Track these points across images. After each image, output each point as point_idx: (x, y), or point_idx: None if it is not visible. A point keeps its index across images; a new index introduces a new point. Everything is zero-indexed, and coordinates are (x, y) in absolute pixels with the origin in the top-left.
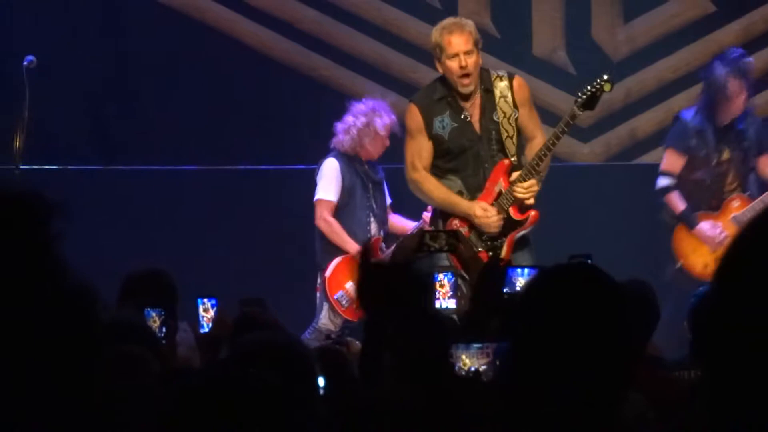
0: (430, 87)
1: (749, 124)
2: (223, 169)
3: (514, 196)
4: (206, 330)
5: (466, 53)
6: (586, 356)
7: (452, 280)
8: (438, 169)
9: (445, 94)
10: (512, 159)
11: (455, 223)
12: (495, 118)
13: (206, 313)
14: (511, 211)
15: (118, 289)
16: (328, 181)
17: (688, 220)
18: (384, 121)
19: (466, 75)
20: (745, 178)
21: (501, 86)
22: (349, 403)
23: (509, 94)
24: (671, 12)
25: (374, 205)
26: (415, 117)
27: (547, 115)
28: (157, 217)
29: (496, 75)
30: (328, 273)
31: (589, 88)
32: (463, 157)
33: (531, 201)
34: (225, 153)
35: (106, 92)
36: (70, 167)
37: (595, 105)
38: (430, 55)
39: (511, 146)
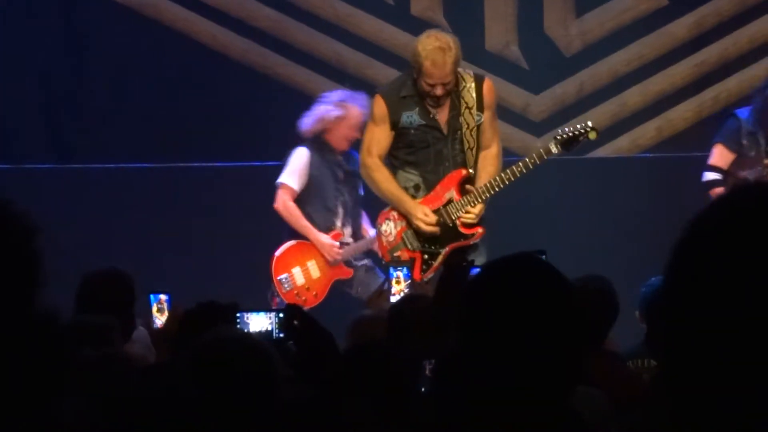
0: (399, 81)
1: None
2: (179, 167)
3: (463, 215)
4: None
5: (445, 83)
6: (532, 347)
7: (408, 276)
8: (398, 161)
9: (413, 93)
10: (470, 171)
11: (394, 215)
12: (461, 122)
13: (160, 313)
14: (459, 222)
15: (75, 289)
16: (294, 168)
17: None
18: (357, 111)
19: (441, 97)
20: None
21: (467, 93)
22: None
23: (473, 101)
24: (623, 6)
25: (345, 197)
26: (381, 106)
27: (499, 110)
28: (112, 216)
29: (464, 77)
30: (277, 253)
31: (571, 129)
32: (426, 152)
33: (473, 221)
34: (180, 151)
35: (61, 90)
36: (23, 166)
37: (573, 148)
38: (385, 52)
39: (470, 158)
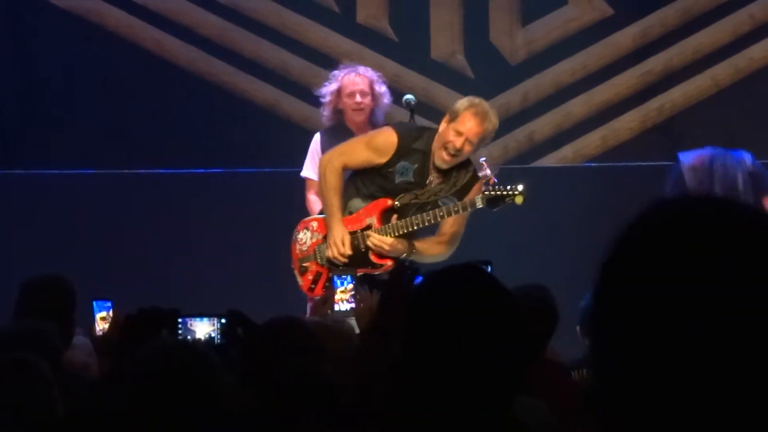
0: (418, 132)
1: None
2: (124, 173)
3: (373, 241)
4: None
5: (469, 141)
6: (473, 355)
7: (352, 283)
8: (365, 190)
9: (424, 149)
10: (396, 203)
11: (312, 226)
12: (435, 197)
13: (103, 320)
14: (371, 249)
15: (15, 295)
16: (309, 157)
17: None
18: (347, 79)
19: (454, 156)
20: None
21: (463, 173)
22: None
23: (458, 187)
24: (569, 15)
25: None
26: (390, 142)
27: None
28: (57, 222)
29: (469, 162)
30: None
31: (500, 188)
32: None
33: (378, 250)
34: (125, 157)
35: (7, 96)
36: None
37: (497, 206)
38: (330, 60)
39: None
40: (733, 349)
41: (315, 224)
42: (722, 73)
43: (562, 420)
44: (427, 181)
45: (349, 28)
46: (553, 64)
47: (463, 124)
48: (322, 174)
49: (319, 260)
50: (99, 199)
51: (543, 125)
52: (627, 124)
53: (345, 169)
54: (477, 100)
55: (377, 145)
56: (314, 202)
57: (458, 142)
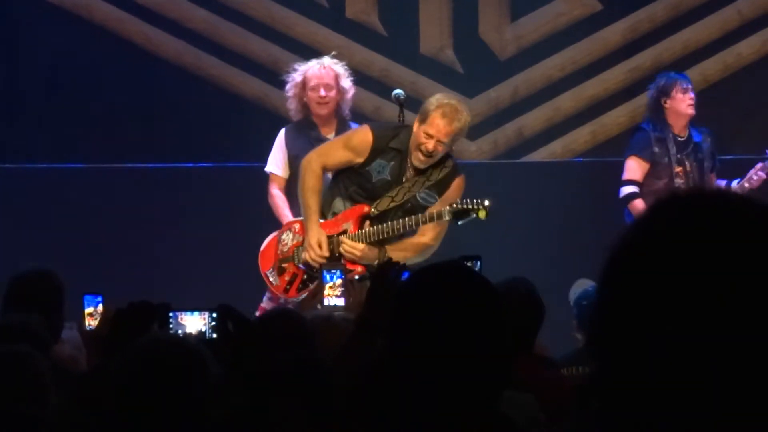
0: (394, 131)
1: (704, 140)
2: (112, 168)
3: (345, 247)
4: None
5: (440, 142)
6: (456, 351)
7: (341, 278)
8: (345, 191)
9: (400, 148)
10: (373, 210)
11: (295, 228)
12: (416, 197)
13: (91, 316)
14: (344, 254)
15: (3, 290)
16: (273, 152)
17: None
18: (309, 72)
19: (428, 157)
20: None
21: (438, 170)
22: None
23: (435, 181)
24: (558, 10)
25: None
26: (366, 141)
27: None
28: (47, 217)
29: (447, 158)
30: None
31: (467, 202)
32: (371, 202)
33: (351, 257)
34: (112, 151)
35: None
36: None
37: (462, 220)
38: (319, 54)
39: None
40: (741, 346)
41: (297, 226)
42: (711, 68)
43: (549, 414)
44: (404, 179)
45: (339, 22)
46: (543, 59)
47: (432, 126)
48: (301, 175)
49: (296, 261)
50: (89, 194)
51: (532, 120)
52: (616, 119)
53: (325, 170)
54: (446, 99)
55: (354, 145)
56: (276, 196)
57: (429, 144)
